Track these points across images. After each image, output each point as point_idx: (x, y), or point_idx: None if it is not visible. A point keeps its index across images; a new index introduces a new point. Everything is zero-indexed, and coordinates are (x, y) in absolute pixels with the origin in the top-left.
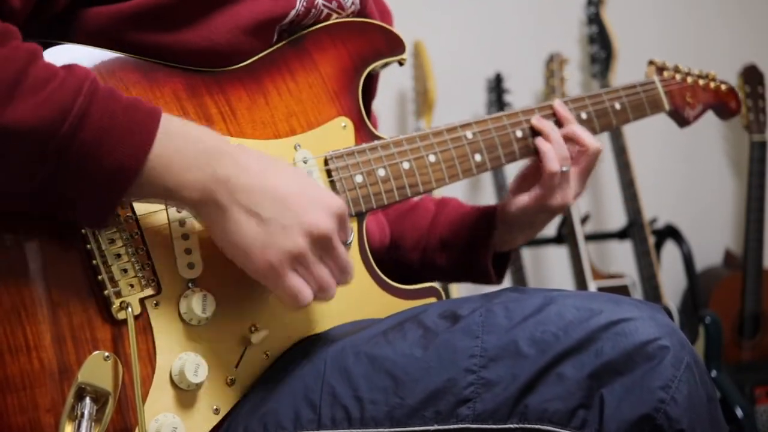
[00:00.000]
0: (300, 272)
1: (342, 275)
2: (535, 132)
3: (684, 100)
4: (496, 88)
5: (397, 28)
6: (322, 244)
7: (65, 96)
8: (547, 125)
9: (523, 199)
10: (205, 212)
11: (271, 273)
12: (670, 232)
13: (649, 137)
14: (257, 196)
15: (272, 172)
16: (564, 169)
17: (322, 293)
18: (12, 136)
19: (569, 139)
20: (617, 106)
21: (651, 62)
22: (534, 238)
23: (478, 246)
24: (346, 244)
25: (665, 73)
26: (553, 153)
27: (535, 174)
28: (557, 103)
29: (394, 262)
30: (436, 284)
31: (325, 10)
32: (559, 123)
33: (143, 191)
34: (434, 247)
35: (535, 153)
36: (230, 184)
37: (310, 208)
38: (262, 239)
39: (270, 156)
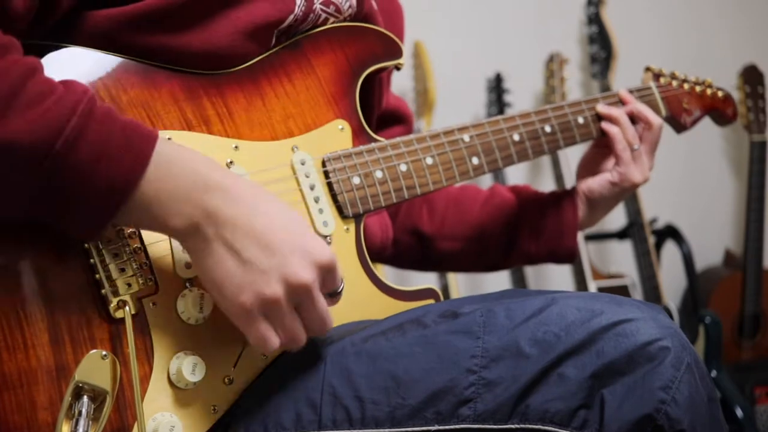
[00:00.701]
0: (271, 320)
1: (318, 327)
2: (534, 135)
3: (681, 106)
4: (496, 88)
5: None
6: (299, 295)
7: (61, 113)
8: (613, 111)
9: (605, 178)
10: (190, 243)
11: (242, 315)
12: (670, 232)
13: None
14: (241, 235)
15: (263, 210)
16: (635, 147)
17: (290, 343)
18: (5, 151)
19: (635, 118)
20: None
21: (648, 68)
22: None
23: (565, 230)
24: (337, 293)
25: (662, 80)
26: (621, 134)
27: (596, 159)
28: (622, 92)
29: (436, 251)
30: (433, 286)
31: (323, 15)
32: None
33: (131, 217)
34: (522, 234)
35: (537, 157)
36: (217, 218)
37: (293, 256)
38: (239, 280)
39: (266, 192)
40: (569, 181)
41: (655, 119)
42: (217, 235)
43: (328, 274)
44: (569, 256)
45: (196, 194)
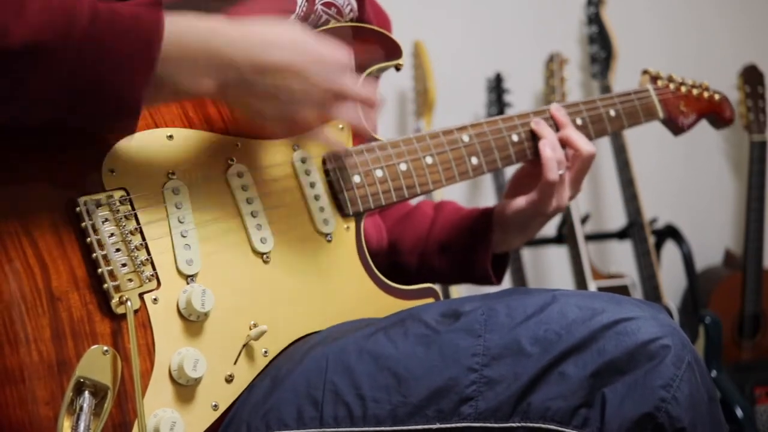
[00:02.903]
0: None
1: (367, 101)
2: (532, 136)
3: (678, 108)
4: (496, 88)
5: (397, 28)
6: (337, 70)
7: (70, 5)
8: (546, 130)
9: (519, 202)
10: (230, 98)
11: (324, 95)
12: (670, 232)
13: (649, 137)
14: (269, 76)
15: (276, 44)
16: (560, 172)
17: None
18: (29, 50)
19: (564, 143)
20: (612, 112)
21: (645, 71)
22: (530, 239)
23: (477, 248)
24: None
25: (659, 82)
26: (554, 162)
27: (529, 176)
28: (554, 108)
29: (392, 265)
30: (434, 285)
31: (324, 16)
32: (555, 127)
33: (164, 87)
34: (433, 251)
35: (534, 157)
36: (240, 72)
37: (321, 62)
38: (297, 96)
39: (269, 28)
40: None
41: (586, 148)
42: (248, 83)
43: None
44: (483, 276)
45: (212, 61)
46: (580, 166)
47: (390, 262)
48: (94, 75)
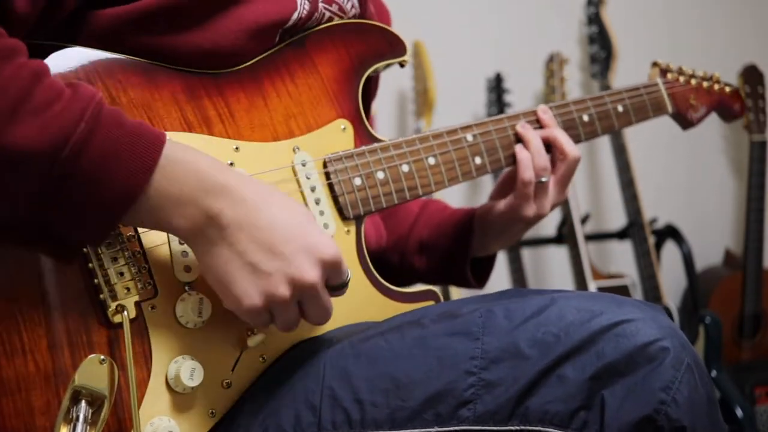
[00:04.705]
0: (274, 313)
1: (318, 320)
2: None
3: (687, 102)
4: (496, 88)
5: (397, 28)
6: (304, 293)
7: (69, 120)
8: (529, 132)
9: (499, 206)
10: (194, 243)
11: (248, 314)
12: (670, 232)
13: (650, 137)
14: (245, 237)
15: (266, 209)
16: (543, 179)
17: (286, 330)
18: (15, 156)
19: (549, 144)
20: (620, 108)
21: (655, 64)
22: (511, 245)
23: (456, 251)
24: (343, 286)
25: (669, 75)
26: (530, 162)
27: (513, 179)
28: (540, 109)
29: (378, 261)
30: (434, 288)
31: (327, 14)
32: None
33: (135, 219)
34: (413, 250)
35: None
36: (220, 220)
37: (298, 256)
38: (246, 282)
39: (270, 190)
40: None
41: (572, 151)
42: (222, 238)
43: (333, 270)
44: (462, 279)
45: (199, 197)
46: (565, 170)
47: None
48: (70, 198)
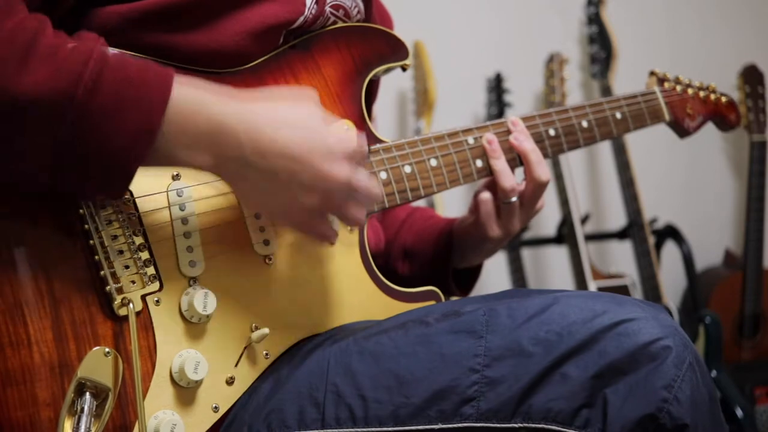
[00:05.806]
0: (327, 215)
1: (370, 202)
2: (538, 138)
3: (684, 111)
4: (496, 88)
5: (397, 28)
6: (344, 190)
7: (77, 62)
8: (496, 150)
9: (470, 223)
10: (222, 174)
11: (298, 228)
12: (670, 232)
13: (649, 137)
14: (270, 157)
15: (281, 125)
16: (513, 200)
17: (353, 225)
18: (28, 105)
19: (522, 157)
20: (618, 115)
21: (652, 73)
22: (488, 257)
23: (438, 261)
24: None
25: (666, 84)
26: (509, 170)
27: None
28: (510, 120)
29: None
30: (436, 288)
31: (333, 18)
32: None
33: (158, 159)
34: (397, 255)
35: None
36: (242, 150)
37: (325, 161)
38: (286, 202)
39: (279, 105)
40: (568, 182)
41: (543, 175)
42: (247, 164)
43: (358, 156)
44: (444, 288)
45: (215, 137)
46: (534, 188)
47: None
48: (88, 142)
